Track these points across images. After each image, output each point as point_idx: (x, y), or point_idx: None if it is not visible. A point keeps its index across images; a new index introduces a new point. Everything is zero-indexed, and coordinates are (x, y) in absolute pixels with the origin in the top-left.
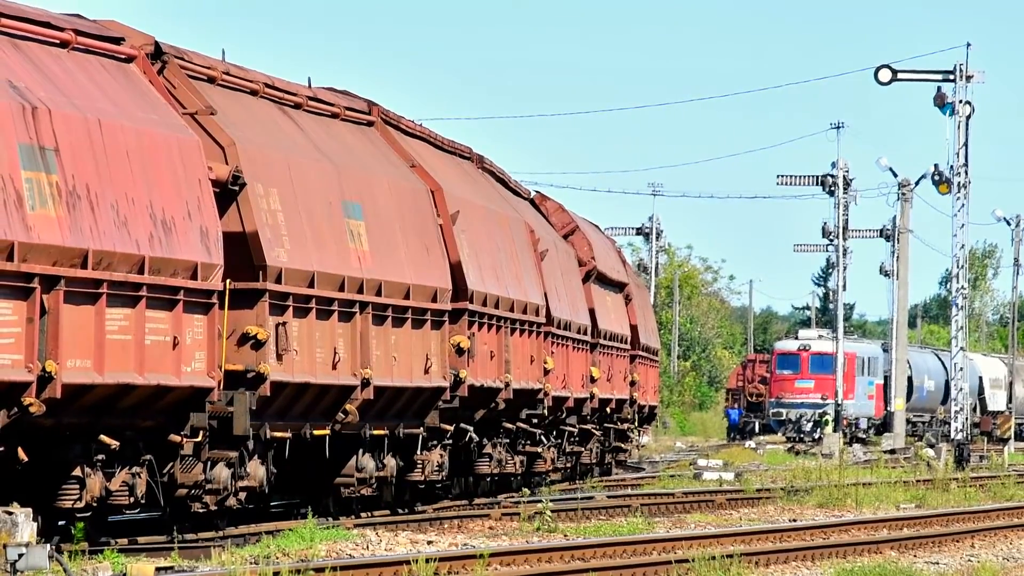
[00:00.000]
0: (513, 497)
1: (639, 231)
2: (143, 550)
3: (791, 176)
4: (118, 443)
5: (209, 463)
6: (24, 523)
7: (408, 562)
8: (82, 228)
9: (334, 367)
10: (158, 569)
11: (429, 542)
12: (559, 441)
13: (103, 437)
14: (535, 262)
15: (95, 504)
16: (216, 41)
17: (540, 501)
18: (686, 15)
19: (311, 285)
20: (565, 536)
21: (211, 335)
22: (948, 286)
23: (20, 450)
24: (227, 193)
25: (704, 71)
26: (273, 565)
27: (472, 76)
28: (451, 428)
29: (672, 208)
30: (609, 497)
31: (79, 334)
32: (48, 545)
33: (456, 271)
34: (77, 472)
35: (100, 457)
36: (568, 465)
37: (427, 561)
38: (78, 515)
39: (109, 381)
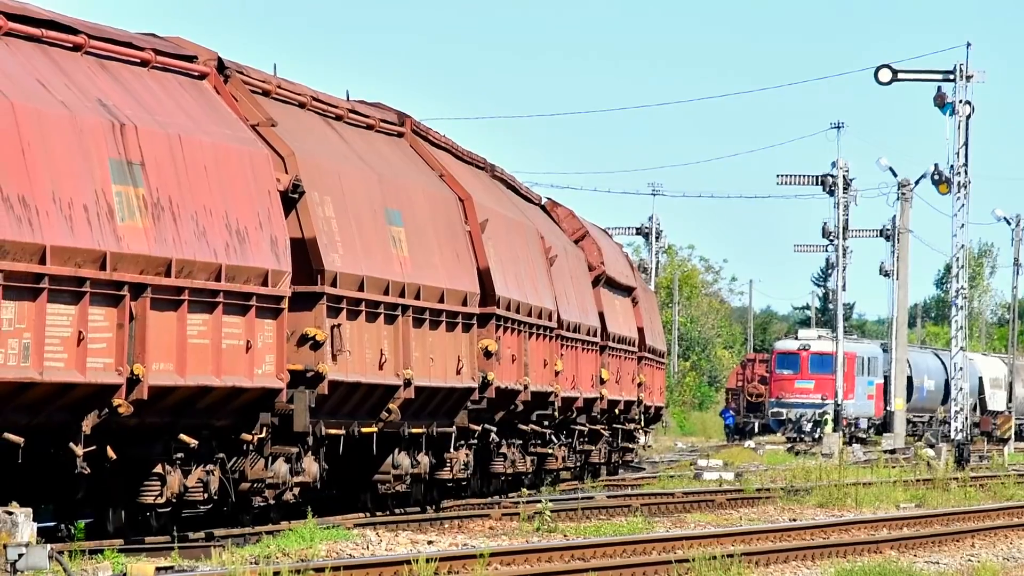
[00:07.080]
0: (513, 497)
1: (639, 231)
2: (143, 550)
3: (791, 176)
4: (196, 442)
5: (270, 458)
6: (24, 523)
7: (408, 562)
8: (166, 238)
9: (380, 367)
10: (158, 569)
11: (429, 542)
12: (569, 440)
13: (183, 436)
14: (546, 268)
15: (174, 500)
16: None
17: (540, 501)
18: (686, 15)
19: (360, 289)
20: (565, 536)
21: (280, 338)
22: (945, 286)
23: (109, 448)
24: (287, 201)
25: (704, 71)
26: (273, 565)
27: (471, 77)
28: (479, 428)
29: (672, 208)
30: (609, 497)
31: (163, 339)
32: (48, 545)
33: (484, 277)
34: (158, 469)
35: (179, 455)
36: (577, 464)
37: (427, 561)
38: (159, 510)
39: (190, 383)
